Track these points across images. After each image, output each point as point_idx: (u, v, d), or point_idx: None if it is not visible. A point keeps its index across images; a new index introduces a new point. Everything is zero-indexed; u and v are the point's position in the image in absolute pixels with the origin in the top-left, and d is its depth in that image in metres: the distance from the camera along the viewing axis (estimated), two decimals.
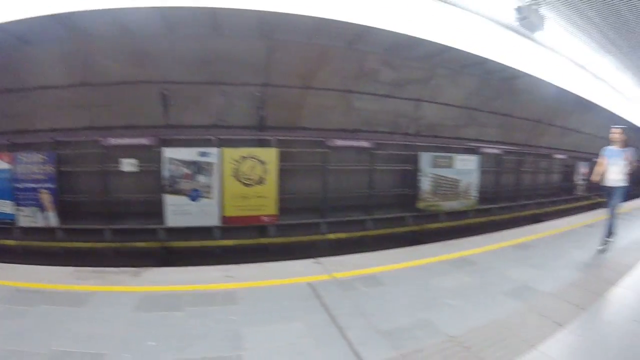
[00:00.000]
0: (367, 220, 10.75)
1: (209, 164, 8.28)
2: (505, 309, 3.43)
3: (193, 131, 8.82)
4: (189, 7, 5.88)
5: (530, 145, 17.32)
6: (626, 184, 5.44)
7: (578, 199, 20.29)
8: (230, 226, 8.65)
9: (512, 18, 6.23)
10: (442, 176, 12.41)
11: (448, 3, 6.74)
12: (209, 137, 8.62)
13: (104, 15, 6.53)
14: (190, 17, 6.96)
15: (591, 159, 22.28)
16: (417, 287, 3.95)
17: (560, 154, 19.11)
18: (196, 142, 8.52)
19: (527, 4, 5.83)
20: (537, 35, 7.48)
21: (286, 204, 9.38)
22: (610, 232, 5.50)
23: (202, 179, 8.28)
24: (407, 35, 7.24)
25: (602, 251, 5.40)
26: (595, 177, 5.74)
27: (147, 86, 8.25)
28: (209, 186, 8.30)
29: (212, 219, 8.44)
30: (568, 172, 20.27)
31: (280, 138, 9.26)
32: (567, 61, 10.10)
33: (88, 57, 7.63)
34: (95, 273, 3.88)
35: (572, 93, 11.74)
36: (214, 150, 8.36)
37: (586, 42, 8.54)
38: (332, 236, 9.68)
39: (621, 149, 5.42)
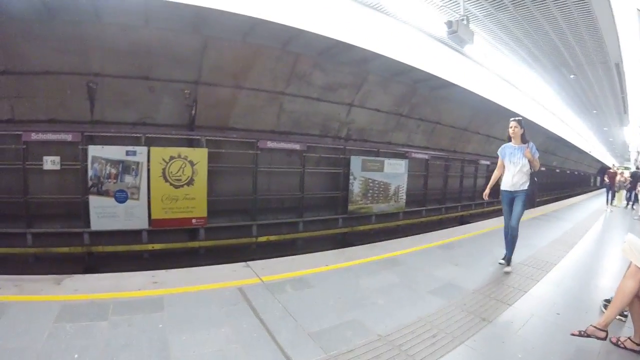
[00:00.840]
0: (299, 223, 11.72)
1: (137, 163, 8.47)
2: (433, 307, 3.82)
3: (120, 128, 8.93)
4: None
5: (457, 152, 19.71)
6: (530, 187, 5.12)
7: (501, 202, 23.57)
8: (159, 229, 8.91)
9: (442, 31, 6.87)
10: (372, 179, 13.80)
11: (380, 11, 7.79)
12: (136, 134, 8.81)
13: None
14: (122, 5, 7.16)
15: None
16: (347, 288, 4.28)
17: (485, 160, 22.05)
18: (123, 140, 8.64)
19: (457, 18, 6.47)
20: (466, 48, 8.64)
21: (216, 206, 9.91)
22: (512, 248, 5.35)
23: (129, 179, 8.44)
24: (338, 40, 8.20)
25: (507, 272, 5.17)
26: (486, 193, 5.65)
27: (73, 78, 8.27)
28: (136, 187, 8.49)
29: (139, 222, 8.62)
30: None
31: (211, 138, 9.76)
32: (493, 74, 12.12)
33: (10, 42, 7.47)
34: (13, 282, 3.84)
35: (497, 103, 13.84)
36: (141, 149, 8.54)
37: (512, 57, 10.27)
38: (263, 239, 10.41)
39: (519, 145, 5.13)
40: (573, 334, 3.06)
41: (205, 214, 9.47)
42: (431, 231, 15.11)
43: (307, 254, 5.73)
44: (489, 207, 21.96)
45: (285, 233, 11.33)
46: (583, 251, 7.08)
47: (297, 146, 11.78)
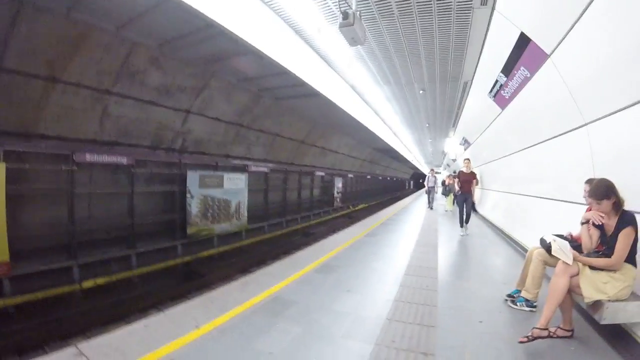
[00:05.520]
0: (131, 256, 10.29)
1: None
2: (362, 356, 3.37)
3: None
4: None
5: (294, 164, 20.60)
6: None
7: (336, 210, 26.48)
8: None
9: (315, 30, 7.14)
10: (212, 197, 13.25)
11: None
12: None
13: None
14: None
15: (346, 174, 29.04)
16: None
17: (320, 171, 23.77)
18: None
19: (353, 11, 6.02)
20: (340, 53, 9.17)
21: (21, 245, 7.88)
22: None
23: None
24: (207, 18, 6.58)
25: None
26: None
27: None
28: None
29: None
30: (327, 187, 25.99)
31: (10, 149, 7.72)
32: (348, 85, 12.93)
33: None
34: None
35: (337, 114, 14.69)
36: None
37: (372, 69, 10.89)
38: (88, 283, 8.69)
39: None
40: (521, 341, 3.42)
41: (7, 258, 7.28)
42: (280, 248, 15.50)
43: (164, 312, 4.41)
44: (327, 216, 24.06)
45: (117, 272, 9.70)
46: (447, 254, 8.12)
47: (124, 160, 10.33)
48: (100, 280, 9.12)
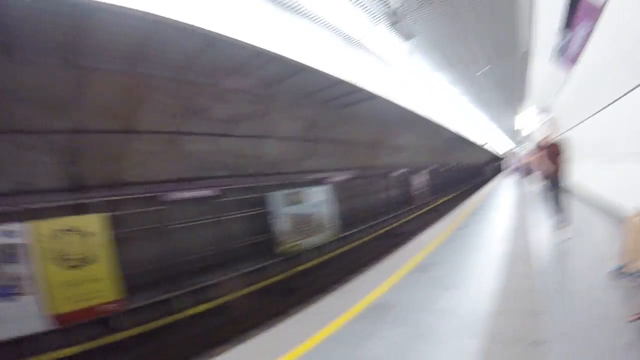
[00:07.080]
0: (228, 280, 10.77)
1: (16, 246, 6.79)
2: (469, 353, 3.31)
3: None
4: None
5: (368, 167, 20.44)
6: None
7: (418, 207, 25.78)
8: (65, 327, 7.21)
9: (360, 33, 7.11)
10: (297, 213, 13.53)
11: (299, 14, 7.41)
12: (9, 208, 7.09)
13: None
14: None
15: (420, 170, 28.20)
16: None
17: (395, 171, 23.40)
18: None
19: (398, 6, 6.09)
20: (387, 52, 9.06)
21: (130, 282, 8.54)
22: None
23: (10, 268, 6.70)
24: (257, 48, 7.21)
25: None
26: None
27: None
28: (21, 278, 6.76)
29: (37, 322, 6.84)
30: (404, 185, 25.40)
31: (104, 199, 8.46)
32: (409, 78, 12.75)
33: None
34: None
35: (403, 111, 14.56)
36: (19, 227, 6.90)
37: (426, 59, 10.78)
38: (200, 308, 9.29)
39: None
40: (632, 320, 3.15)
41: (118, 295, 7.99)
42: (374, 254, 15.29)
43: (269, 330, 4.51)
44: (409, 215, 23.46)
45: (220, 295, 10.16)
46: (543, 236, 7.30)
47: (209, 192, 10.89)
48: (202, 308, 9.56)
